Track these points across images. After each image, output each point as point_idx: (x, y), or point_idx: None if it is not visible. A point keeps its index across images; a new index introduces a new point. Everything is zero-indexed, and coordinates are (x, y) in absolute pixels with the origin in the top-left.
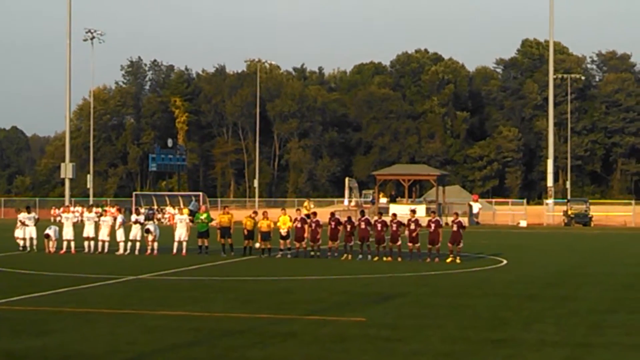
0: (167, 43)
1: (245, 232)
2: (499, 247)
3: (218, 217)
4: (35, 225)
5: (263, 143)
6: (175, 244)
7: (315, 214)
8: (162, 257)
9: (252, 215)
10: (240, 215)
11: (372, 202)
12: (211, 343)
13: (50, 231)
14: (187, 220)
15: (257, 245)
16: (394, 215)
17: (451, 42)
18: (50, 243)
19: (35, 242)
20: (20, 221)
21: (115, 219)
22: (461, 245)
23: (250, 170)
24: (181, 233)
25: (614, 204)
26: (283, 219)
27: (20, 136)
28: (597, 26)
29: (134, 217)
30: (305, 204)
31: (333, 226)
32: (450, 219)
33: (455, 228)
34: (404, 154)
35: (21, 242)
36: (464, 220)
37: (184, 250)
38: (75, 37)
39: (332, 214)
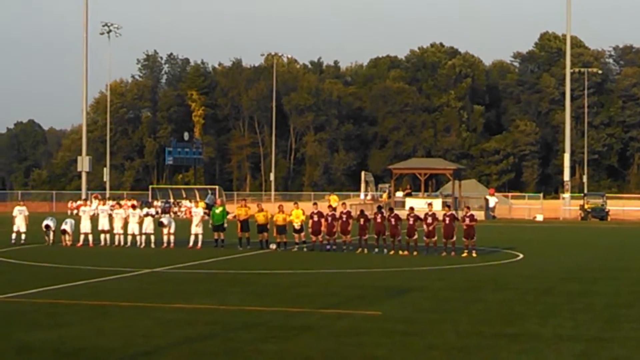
0: (183, 36)
1: (256, 225)
2: (515, 241)
3: (236, 210)
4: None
5: (279, 136)
6: (192, 237)
7: (333, 208)
8: (178, 250)
9: (259, 208)
10: (255, 209)
11: (389, 197)
12: (226, 336)
13: (67, 226)
14: (202, 214)
15: (273, 246)
16: (412, 208)
17: (468, 36)
18: (67, 237)
19: (52, 234)
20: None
21: (131, 210)
22: (474, 239)
23: (266, 163)
24: (197, 226)
25: (631, 199)
26: (296, 212)
27: (37, 129)
28: (615, 20)
29: (145, 210)
30: (331, 197)
31: (344, 219)
32: (462, 213)
33: (467, 222)
34: (420, 147)
35: (14, 235)
36: (476, 214)
37: (199, 244)
38: (92, 31)
39: (344, 204)
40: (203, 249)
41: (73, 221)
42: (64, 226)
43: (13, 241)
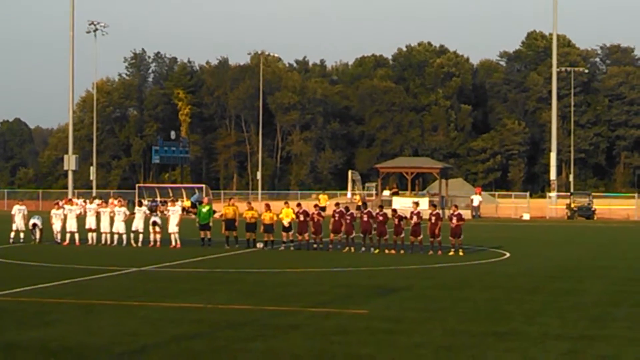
0: (170, 35)
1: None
2: (502, 240)
3: (223, 209)
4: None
5: (265, 135)
6: (172, 236)
7: (320, 207)
8: (164, 249)
9: (249, 207)
10: (244, 207)
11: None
12: (213, 335)
13: (38, 221)
14: (180, 212)
15: (260, 245)
16: (394, 210)
17: (455, 35)
18: (38, 232)
19: (39, 233)
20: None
21: (116, 210)
22: (462, 237)
23: (253, 162)
24: (174, 224)
25: (617, 197)
26: (286, 211)
27: (23, 128)
28: (601, 19)
29: (137, 209)
30: (320, 196)
31: (337, 219)
32: (449, 212)
33: (454, 221)
34: (407, 146)
35: (13, 234)
36: (464, 213)
37: (177, 242)
38: (78, 30)
39: (337, 205)
40: (190, 248)
41: (41, 217)
42: (34, 220)
43: (12, 240)
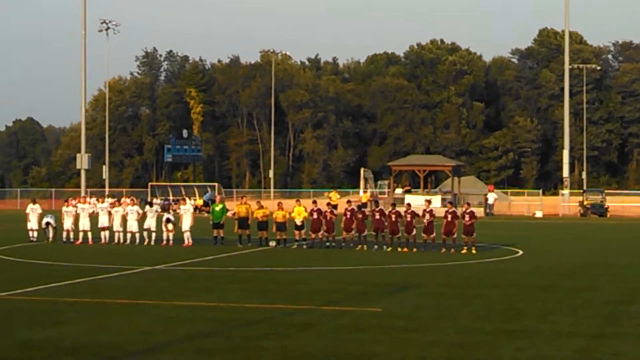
0: (182, 34)
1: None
2: (515, 238)
3: (235, 208)
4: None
5: (277, 133)
6: (185, 235)
7: (333, 205)
8: (177, 247)
9: (259, 205)
10: (255, 206)
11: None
12: (227, 333)
13: (51, 220)
14: (192, 211)
15: (272, 243)
16: (408, 205)
17: (467, 32)
18: (51, 231)
19: (52, 232)
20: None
21: (128, 209)
22: (474, 235)
23: (265, 160)
24: (186, 223)
25: (630, 195)
26: (298, 209)
27: (35, 127)
28: (614, 16)
29: (148, 208)
30: (332, 194)
31: (348, 217)
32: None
33: (467, 219)
34: (419, 144)
35: (31, 233)
36: (477, 211)
37: (188, 240)
38: (90, 28)
39: (349, 202)
40: (203, 246)
41: (55, 216)
42: (47, 219)
43: (32, 239)
